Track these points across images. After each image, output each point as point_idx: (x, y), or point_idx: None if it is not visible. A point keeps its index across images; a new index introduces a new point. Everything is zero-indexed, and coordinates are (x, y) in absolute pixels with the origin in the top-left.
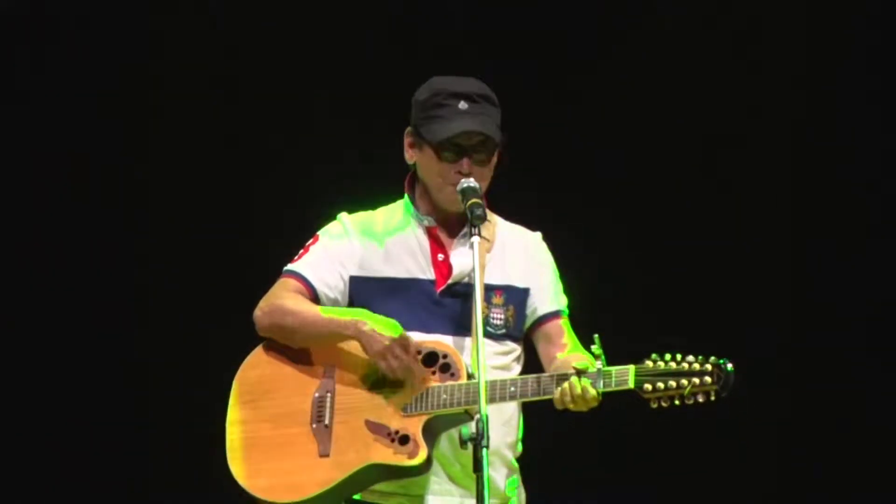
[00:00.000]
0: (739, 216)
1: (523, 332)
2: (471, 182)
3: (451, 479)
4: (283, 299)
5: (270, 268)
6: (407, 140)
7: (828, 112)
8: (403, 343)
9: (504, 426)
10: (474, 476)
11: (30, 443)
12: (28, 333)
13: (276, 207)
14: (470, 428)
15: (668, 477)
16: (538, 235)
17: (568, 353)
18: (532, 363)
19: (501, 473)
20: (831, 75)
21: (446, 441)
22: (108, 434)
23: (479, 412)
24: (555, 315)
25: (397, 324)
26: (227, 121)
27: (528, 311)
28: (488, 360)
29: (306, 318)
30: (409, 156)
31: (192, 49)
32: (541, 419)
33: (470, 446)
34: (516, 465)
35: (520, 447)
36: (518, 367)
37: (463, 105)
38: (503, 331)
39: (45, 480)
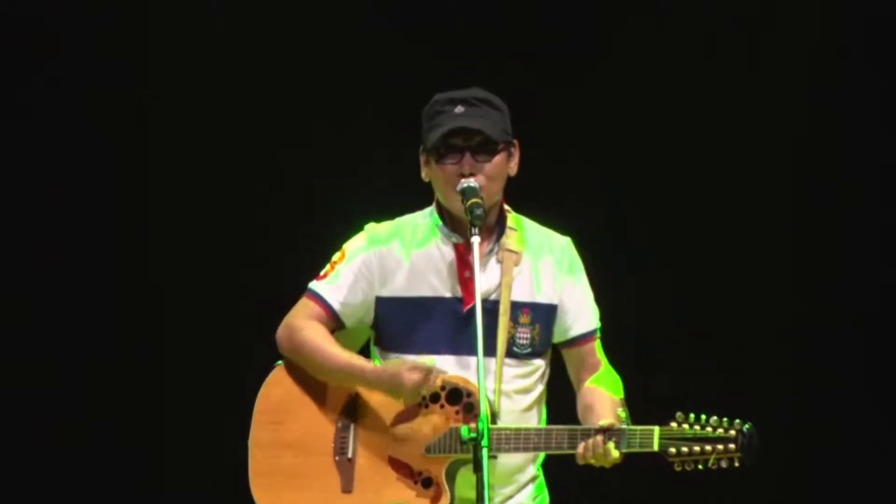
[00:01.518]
0: (742, 217)
1: (550, 345)
2: (471, 182)
3: None
4: (304, 331)
5: (288, 276)
6: (422, 159)
7: (829, 110)
8: (415, 370)
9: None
10: (493, 489)
11: (32, 442)
12: (28, 332)
13: (296, 218)
14: (470, 428)
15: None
16: (568, 242)
17: (595, 392)
18: (557, 376)
19: (526, 488)
20: (832, 73)
21: (464, 468)
22: (112, 435)
23: (480, 411)
24: (588, 337)
25: (398, 362)
26: (228, 120)
27: (559, 329)
28: (510, 383)
29: (324, 360)
30: (425, 174)
31: (198, 52)
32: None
33: (470, 446)
34: (539, 471)
35: (543, 454)
36: (541, 387)
37: (459, 109)
38: (528, 350)
39: (44, 480)
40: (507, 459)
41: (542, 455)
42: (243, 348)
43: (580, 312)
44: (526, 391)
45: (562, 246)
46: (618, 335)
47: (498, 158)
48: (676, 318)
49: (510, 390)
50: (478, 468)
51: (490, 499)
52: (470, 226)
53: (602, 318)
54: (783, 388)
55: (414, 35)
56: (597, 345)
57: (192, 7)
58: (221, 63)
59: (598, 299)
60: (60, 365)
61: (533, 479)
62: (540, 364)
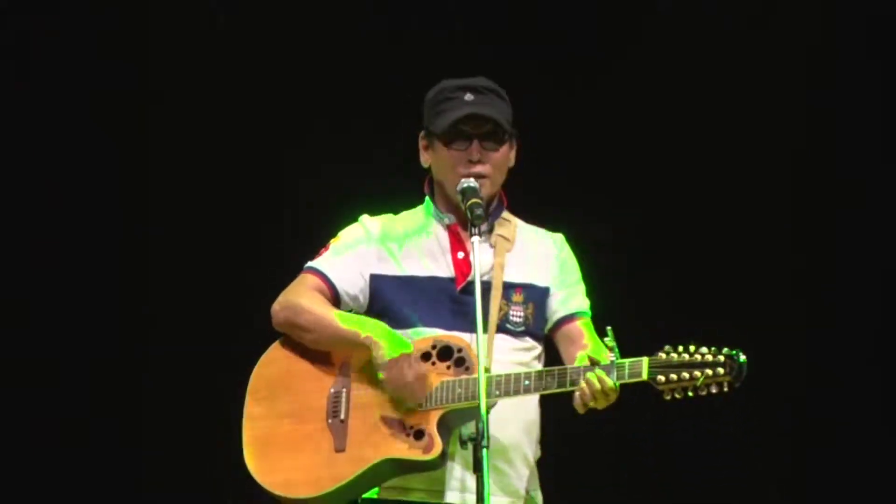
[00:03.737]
0: (742, 217)
1: (544, 331)
2: (471, 182)
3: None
4: (300, 296)
5: (290, 276)
6: (421, 143)
7: (829, 110)
8: (410, 361)
9: (527, 425)
10: (490, 470)
11: (32, 442)
12: (28, 332)
13: (297, 218)
14: (469, 427)
15: (678, 481)
16: (560, 236)
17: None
18: (554, 363)
19: (523, 474)
20: (832, 73)
21: (459, 424)
22: (108, 431)
23: (480, 412)
24: (576, 316)
25: (409, 343)
26: (228, 120)
27: (549, 311)
28: (507, 355)
29: (321, 321)
30: (425, 159)
31: (191, 46)
32: (556, 422)
33: (470, 446)
34: (535, 466)
35: (539, 450)
36: (539, 366)
37: (469, 96)
38: (522, 328)
39: (44, 480)
40: (507, 433)
41: (538, 450)
42: (245, 348)
43: (570, 296)
44: (524, 365)
45: (554, 238)
46: (615, 336)
47: (504, 148)
48: (675, 317)
49: (508, 361)
50: (478, 468)
51: (488, 472)
52: (470, 226)
53: (599, 319)
54: (783, 388)
55: (414, 35)
56: (587, 325)
57: (192, 7)
58: (221, 63)
59: (594, 298)
60: (60, 365)
61: (529, 468)
62: (535, 344)
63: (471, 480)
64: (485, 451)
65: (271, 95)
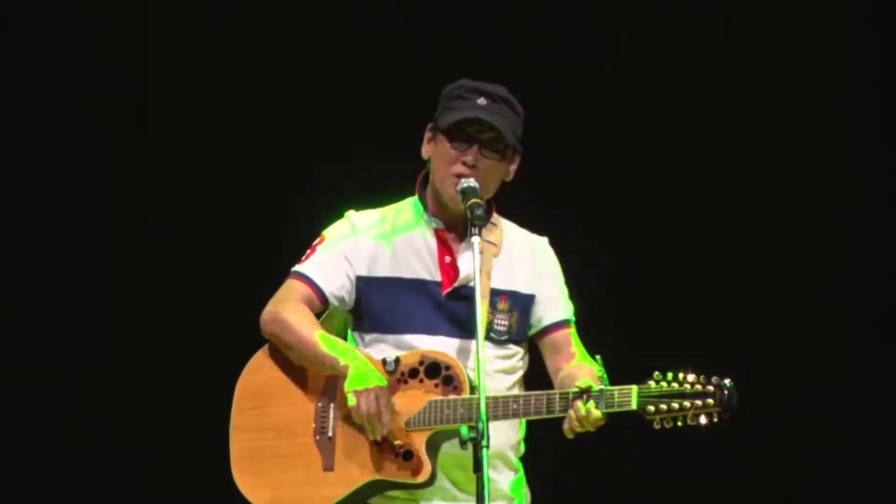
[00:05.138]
0: (742, 217)
1: (527, 336)
2: (471, 182)
3: (455, 483)
4: (288, 311)
5: (279, 265)
6: (427, 135)
7: (829, 110)
8: (380, 393)
9: (508, 427)
10: (475, 477)
11: (32, 442)
12: (28, 332)
13: (296, 218)
14: (469, 428)
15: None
16: (545, 240)
17: (573, 366)
18: (536, 364)
19: (505, 476)
20: (832, 73)
21: (449, 446)
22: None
23: (480, 412)
24: (561, 325)
25: (384, 379)
26: (227, 120)
27: (534, 319)
28: (490, 364)
29: (305, 343)
30: (426, 151)
31: (191, 46)
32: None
33: (470, 446)
34: (520, 464)
35: (522, 447)
36: (522, 368)
37: (482, 101)
38: (505, 336)
39: (44, 480)
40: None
41: (522, 447)
42: (244, 348)
43: (555, 303)
44: (507, 372)
45: (540, 243)
46: (614, 337)
47: (504, 161)
48: (675, 318)
49: (491, 370)
50: (478, 468)
51: (467, 482)
52: (470, 225)
53: (597, 322)
54: (783, 389)
55: (414, 35)
56: (572, 334)
57: (192, 7)
58: (221, 63)
59: (591, 301)
60: (60, 365)
61: (513, 469)
62: (518, 349)
63: (453, 489)
64: (485, 451)
65: (270, 95)
